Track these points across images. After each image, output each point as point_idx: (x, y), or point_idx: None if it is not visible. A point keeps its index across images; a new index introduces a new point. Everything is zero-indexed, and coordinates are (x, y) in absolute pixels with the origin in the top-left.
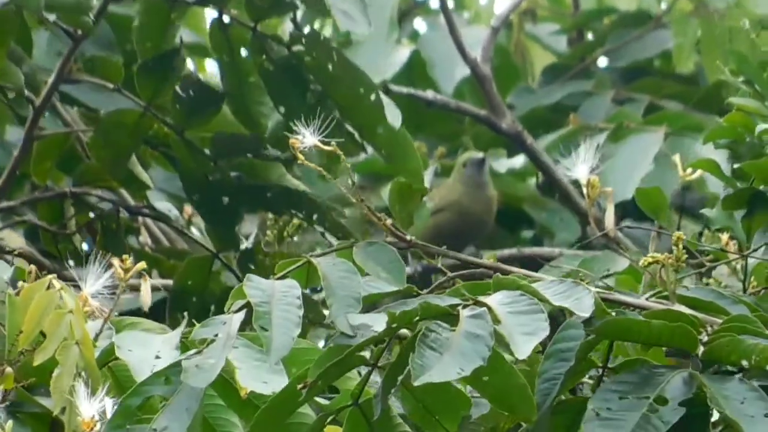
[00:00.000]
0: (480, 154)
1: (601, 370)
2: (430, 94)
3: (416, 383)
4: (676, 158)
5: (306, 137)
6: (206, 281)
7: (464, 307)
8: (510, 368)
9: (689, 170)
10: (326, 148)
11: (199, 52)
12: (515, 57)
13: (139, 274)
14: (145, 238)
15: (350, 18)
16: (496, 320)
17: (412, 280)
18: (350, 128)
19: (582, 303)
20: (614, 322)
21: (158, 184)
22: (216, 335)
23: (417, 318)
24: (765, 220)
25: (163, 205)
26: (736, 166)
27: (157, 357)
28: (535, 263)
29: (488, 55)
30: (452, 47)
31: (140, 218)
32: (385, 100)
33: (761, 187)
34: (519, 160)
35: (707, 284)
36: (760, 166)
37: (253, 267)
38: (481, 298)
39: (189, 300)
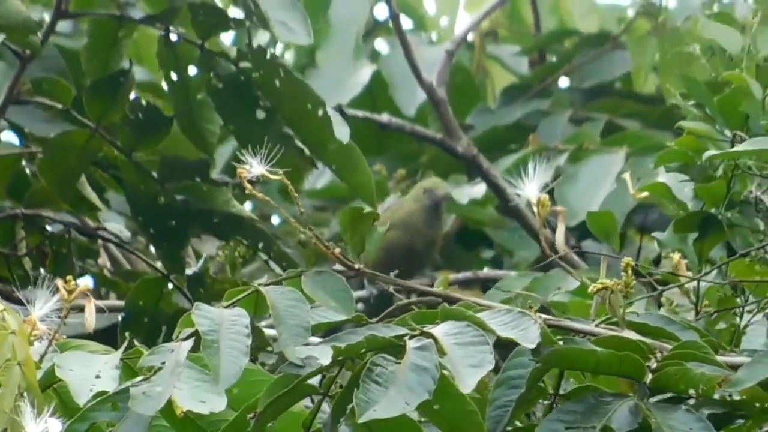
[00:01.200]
0: (446, 190)
1: (552, 397)
2: (384, 117)
3: (360, 420)
4: (627, 176)
5: (253, 167)
6: (157, 302)
7: (411, 337)
8: (460, 395)
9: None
10: (273, 177)
11: (151, 89)
12: (476, 77)
13: (86, 296)
14: (104, 260)
15: (289, 29)
16: (442, 351)
17: (368, 303)
18: (300, 144)
19: (528, 334)
20: (561, 352)
21: (116, 207)
22: (163, 363)
23: (363, 350)
24: (716, 243)
25: (115, 227)
26: (686, 190)
27: (97, 377)
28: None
29: (443, 79)
30: (405, 79)
31: (99, 240)
32: (333, 115)
33: (712, 210)
34: (480, 189)
35: (660, 305)
36: (711, 189)
37: (202, 291)
38: (428, 329)
39: (140, 320)
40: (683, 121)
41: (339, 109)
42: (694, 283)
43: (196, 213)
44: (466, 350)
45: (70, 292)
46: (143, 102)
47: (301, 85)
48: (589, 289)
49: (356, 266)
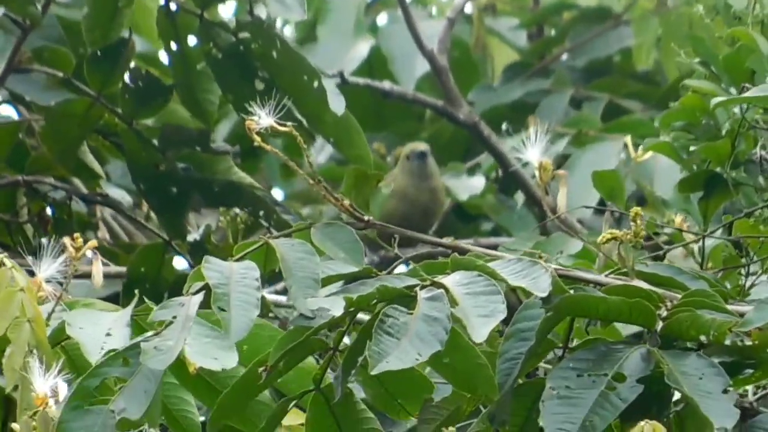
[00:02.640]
0: (422, 147)
1: (561, 351)
2: (387, 84)
3: (373, 372)
4: (627, 139)
5: (261, 118)
6: (159, 268)
7: (422, 288)
8: (471, 349)
9: (641, 151)
10: (282, 129)
11: (150, 61)
12: (475, 51)
13: (94, 254)
14: (103, 233)
15: (284, 5)
16: (454, 302)
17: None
18: (299, 116)
19: (539, 282)
20: (572, 299)
21: (116, 179)
22: (174, 317)
23: (375, 301)
24: (721, 202)
25: (117, 193)
26: (692, 148)
27: (108, 335)
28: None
29: (445, 47)
30: (412, 41)
31: (98, 213)
32: (329, 87)
33: (717, 169)
34: (479, 182)
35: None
36: (716, 148)
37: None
38: (439, 279)
39: (142, 287)
40: (688, 80)
41: (341, 75)
42: (699, 243)
43: (197, 181)
44: (478, 300)
45: (77, 249)
46: (143, 71)
47: (297, 56)
48: (599, 239)
49: (366, 218)
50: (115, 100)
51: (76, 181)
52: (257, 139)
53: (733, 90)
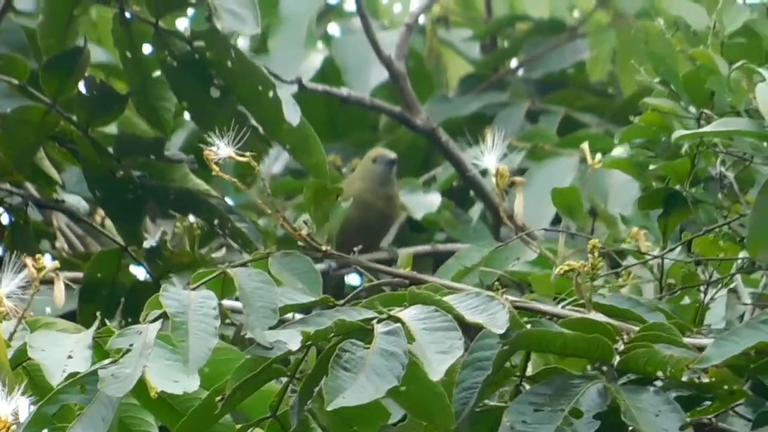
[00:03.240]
0: (392, 154)
1: (519, 378)
2: (344, 91)
3: (329, 408)
4: (585, 146)
5: (220, 148)
6: (115, 274)
7: (379, 321)
8: (428, 378)
9: (597, 158)
10: (241, 159)
11: (109, 70)
12: (429, 62)
13: (55, 274)
14: (61, 242)
15: (238, 18)
16: (411, 337)
17: (326, 276)
18: (255, 123)
19: (496, 318)
20: (529, 335)
21: (71, 186)
22: (131, 345)
23: (331, 334)
24: (681, 219)
25: (73, 199)
26: (652, 167)
27: (70, 357)
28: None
29: (403, 53)
30: (366, 51)
31: (55, 222)
32: (284, 96)
33: (677, 187)
34: (435, 199)
35: (621, 285)
36: (676, 167)
37: (160, 263)
38: (396, 313)
39: (99, 293)
40: (648, 97)
41: (299, 82)
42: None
43: (153, 189)
44: (435, 336)
45: (38, 269)
46: (98, 80)
47: (251, 66)
48: (555, 272)
49: (323, 248)
50: (70, 108)
51: (31, 188)
52: (216, 169)
53: (692, 109)
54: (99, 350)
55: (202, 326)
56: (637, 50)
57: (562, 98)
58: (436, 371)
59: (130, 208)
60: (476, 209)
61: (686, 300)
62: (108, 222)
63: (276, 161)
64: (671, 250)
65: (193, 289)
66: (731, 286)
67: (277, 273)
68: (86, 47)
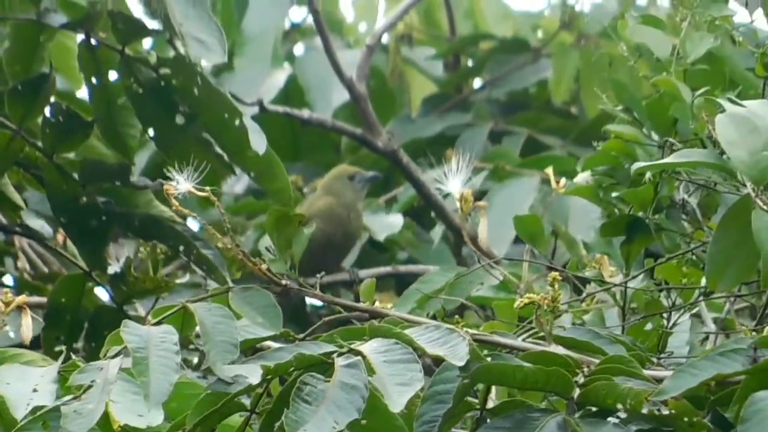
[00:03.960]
0: (371, 172)
1: (480, 411)
2: (305, 113)
3: None
4: (549, 170)
5: (180, 183)
6: (79, 299)
7: (339, 355)
8: (388, 411)
9: (562, 183)
10: (200, 194)
11: (68, 98)
12: (392, 81)
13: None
14: (23, 263)
15: (205, 47)
16: (371, 370)
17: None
18: (219, 150)
19: (457, 350)
20: (489, 368)
21: (32, 205)
22: (93, 381)
23: (292, 368)
24: (643, 246)
25: (36, 223)
26: (615, 194)
27: (35, 390)
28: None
29: (363, 74)
30: (329, 71)
31: (17, 243)
32: (251, 125)
33: (639, 214)
34: (397, 220)
35: (584, 311)
36: (639, 194)
37: (124, 288)
38: (356, 346)
39: (63, 317)
40: (610, 125)
41: (260, 104)
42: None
43: (117, 215)
44: (395, 368)
45: (6, 304)
46: (63, 106)
47: (218, 94)
48: (516, 305)
49: (282, 282)
50: (35, 134)
51: None
52: (175, 203)
53: (655, 135)
54: (65, 383)
55: (164, 362)
56: (600, 71)
57: (526, 119)
58: (396, 403)
59: (94, 234)
60: (437, 230)
61: (649, 326)
62: (70, 244)
63: (238, 181)
64: (634, 277)
65: (154, 324)
66: (694, 311)
67: (237, 307)
68: (52, 74)
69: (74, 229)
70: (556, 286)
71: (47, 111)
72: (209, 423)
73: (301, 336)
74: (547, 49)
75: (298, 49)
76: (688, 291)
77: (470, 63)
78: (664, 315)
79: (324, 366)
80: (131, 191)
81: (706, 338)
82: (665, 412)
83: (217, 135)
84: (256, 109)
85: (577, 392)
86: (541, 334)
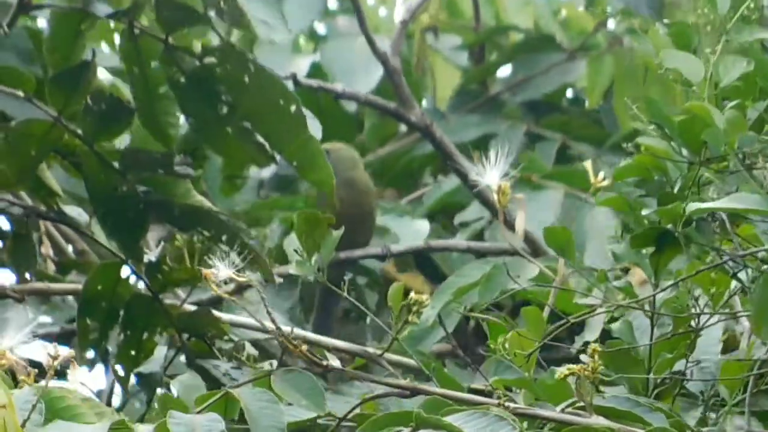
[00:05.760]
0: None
1: None
2: (339, 86)
3: None
4: (588, 164)
5: (220, 270)
6: (115, 286)
7: None
8: None
9: (600, 177)
10: (240, 280)
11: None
12: (417, 70)
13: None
14: (47, 249)
15: (269, 26)
16: None
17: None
18: (260, 139)
19: None
20: None
21: (63, 187)
22: None
23: None
24: (672, 257)
25: (73, 210)
26: (645, 212)
27: None
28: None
29: (398, 49)
30: (357, 52)
31: (42, 228)
32: (306, 111)
33: (669, 226)
34: (423, 226)
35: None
36: (670, 212)
37: (160, 277)
38: None
39: (98, 305)
40: (642, 137)
41: (294, 77)
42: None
43: (157, 204)
44: None
45: (54, 358)
46: (106, 93)
47: (272, 80)
48: (557, 375)
49: (324, 363)
50: (75, 121)
51: (27, 199)
52: (215, 289)
53: (685, 152)
54: None
55: None
56: (635, 79)
57: (559, 123)
58: None
59: (132, 224)
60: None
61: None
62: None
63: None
64: (664, 290)
65: (198, 412)
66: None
67: (280, 391)
68: (94, 61)
69: (112, 218)
70: (596, 357)
71: (89, 98)
72: None
73: (344, 415)
74: (577, 50)
75: (319, 29)
76: (717, 298)
77: (495, 56)
78: (693, 321)
79: None
80: (171, 180)
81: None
82: None
83: (261, 123)
84: (290, 84)
85: None
86: (581, 404)
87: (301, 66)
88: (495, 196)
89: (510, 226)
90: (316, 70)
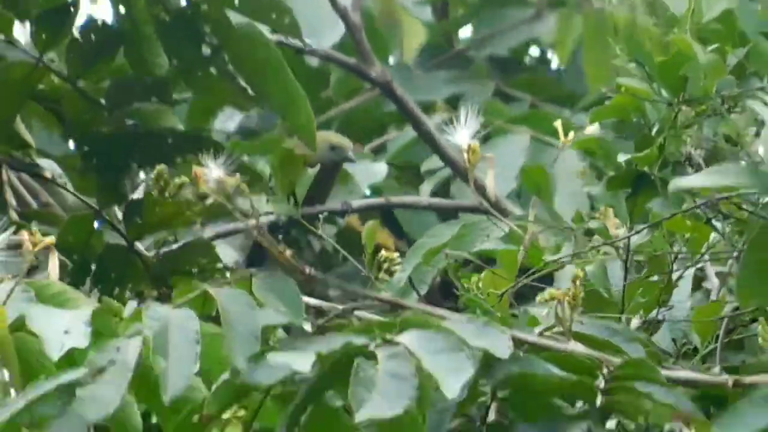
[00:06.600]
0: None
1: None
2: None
3: (358, 419)
4: (558, 124)
5: (212, 170)
6: (88, 239)
7: (377, 346)
8: None
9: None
10: (231, 181)
11: None
12: (381, 22)
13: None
14: (10, 198)
15: None
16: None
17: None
18: (243, 83)
19: (499, 345)
20: (519, 376)
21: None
22: (111, 361)
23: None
24: (649, 200)
25: (46, 163)
26: (622, 157)
27: (66, 332)
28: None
29: (358, 3)
30: (318, 11)
31: (4, 177)
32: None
33: (645, 169)
34: (382, 168)
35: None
36: (647, 158)
37: (139, 221)
38: (396, 338)
39: (70, 258)
40: (621, 78)
41: None
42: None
43: (148, 135)
44: (442, 357)
45: (34, 244)
46: (98, 22)
47: (252, 24)
48: (538, 299)
49: (306, 270)
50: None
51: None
52: (205, 189)
53: (664, 92)
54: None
55: (183, 352)
56: (604, 40)
57: (526, 83)
58: (451, 388)
59: (118, 161)
60: (426, 188)
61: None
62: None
63: (230, 118)
64: (638, 232)
65: (175, 307)
66: (699, 265)
67: (260, 294)
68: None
69: (96, 158)
70: (578, 282)
71: (77, 33)
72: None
73: (323, 321)
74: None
75: None
76: (692, 244)
77: (460, 11)
78: (669, 266)
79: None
80: (162, 110)
81: (709, 292)
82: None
83: (243, 65)
84: None
85: (599, 399)
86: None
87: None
88: (464, 156)
89: (478, 186)
90: None
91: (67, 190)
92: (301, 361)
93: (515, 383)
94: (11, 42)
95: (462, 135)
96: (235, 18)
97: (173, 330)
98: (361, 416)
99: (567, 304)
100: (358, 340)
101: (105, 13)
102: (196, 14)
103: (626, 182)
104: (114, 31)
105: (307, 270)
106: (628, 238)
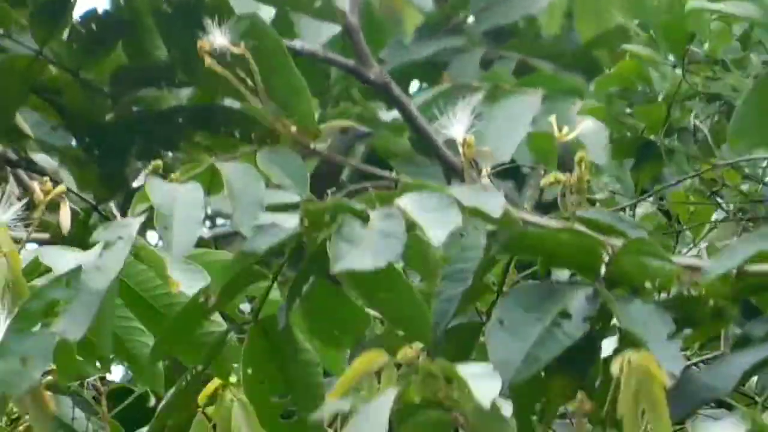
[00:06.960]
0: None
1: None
2: (298, 43)
3: (334, 270)
4: (552, 119)
5: (216, 38)
6: (84, 234)
7: (371, 209)
8: (408, 287)
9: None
10: (236, 50)
11: None
12: (381, 11)
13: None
14: (12, 187)
15: None
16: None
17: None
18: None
19: (491, 203)
20: (522, 236)
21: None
22: (119, 237)
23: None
24: (654, 170)
25: (41, 158)
26: (628, 111)
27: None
28: None
29: (356, 5)
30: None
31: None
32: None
33: (651, 137)
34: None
35: None
36: (651, 113)
37: None
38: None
39: None
40: (626, 44)
41: None
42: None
43: (157, 117)
44: (434, 213)
45: (45, 192)
46: (98, 13)
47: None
48: (541, 183)
49: (311, 146)
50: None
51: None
52: (210, 60)
53: (671, 57)
54: None
55: (188, 215)
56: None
57: (516, 46)
58: (436, 237)
59: (121, 150)
60: None
61: None
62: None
63: None
64: (643, 198)
65: (181, 183)
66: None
67: (265, 168)
68: None
69: (99, 148)
70: (583, 165)
71: (77, 21)
72: (233, 290)
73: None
74: None
75: None
76: (695, 217)
77: None
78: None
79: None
80: (166, 94)
81: None
82: (694, 293)
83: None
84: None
85: (604, 269)
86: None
87: (266, 14)
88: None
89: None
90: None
91: (68, 189)
92: (290, 220)
93: (521, 246)
94: (10, 35)
95: (457, 129)
96: (238, 9)
97: (178, 198)
98: (338, 267)
99: (573, 187)
100: (354, 204)
101: (103, 4)
102: (198, 4)
103: (631, 151)
104: (115, 22)
105: (312, 145)
106: (634, 206)
